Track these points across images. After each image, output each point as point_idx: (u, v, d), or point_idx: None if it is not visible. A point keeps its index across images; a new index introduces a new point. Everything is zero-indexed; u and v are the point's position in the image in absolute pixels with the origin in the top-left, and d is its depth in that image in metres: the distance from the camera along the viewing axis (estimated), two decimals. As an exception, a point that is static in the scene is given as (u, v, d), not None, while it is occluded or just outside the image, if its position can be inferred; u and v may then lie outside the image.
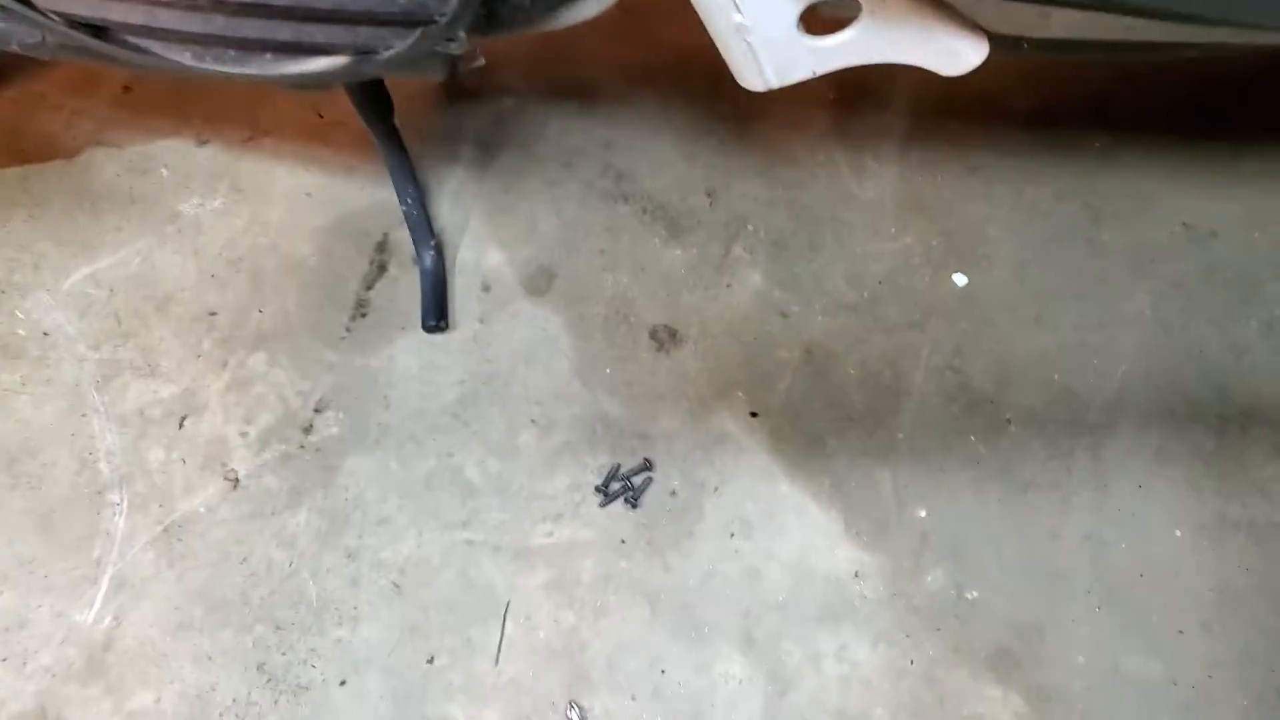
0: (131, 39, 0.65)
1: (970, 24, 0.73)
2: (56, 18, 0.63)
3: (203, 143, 1.17)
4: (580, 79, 1.30)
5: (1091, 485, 1.02)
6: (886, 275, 1.16)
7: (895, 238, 1.20)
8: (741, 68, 0.77)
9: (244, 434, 1.00)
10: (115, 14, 0.62)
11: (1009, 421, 1.06)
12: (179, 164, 1.16)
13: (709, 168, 1.24)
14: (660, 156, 1.24)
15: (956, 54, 0.74)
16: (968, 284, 1.16)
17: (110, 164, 1.15)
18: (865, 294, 1.14)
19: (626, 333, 1.09)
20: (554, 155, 1.23)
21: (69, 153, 1.15)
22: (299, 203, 1.14)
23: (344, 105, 1.23)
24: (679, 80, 1.33)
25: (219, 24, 0.62)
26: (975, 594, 0.96)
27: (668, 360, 1.07)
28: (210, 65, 0.68)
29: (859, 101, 1.34)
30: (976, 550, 0.98)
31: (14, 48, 0.71)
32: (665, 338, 1.09)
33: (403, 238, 1.13)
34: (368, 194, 1.15)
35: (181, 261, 1.09)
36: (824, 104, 1.33)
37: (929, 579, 0.96)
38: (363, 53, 0.67)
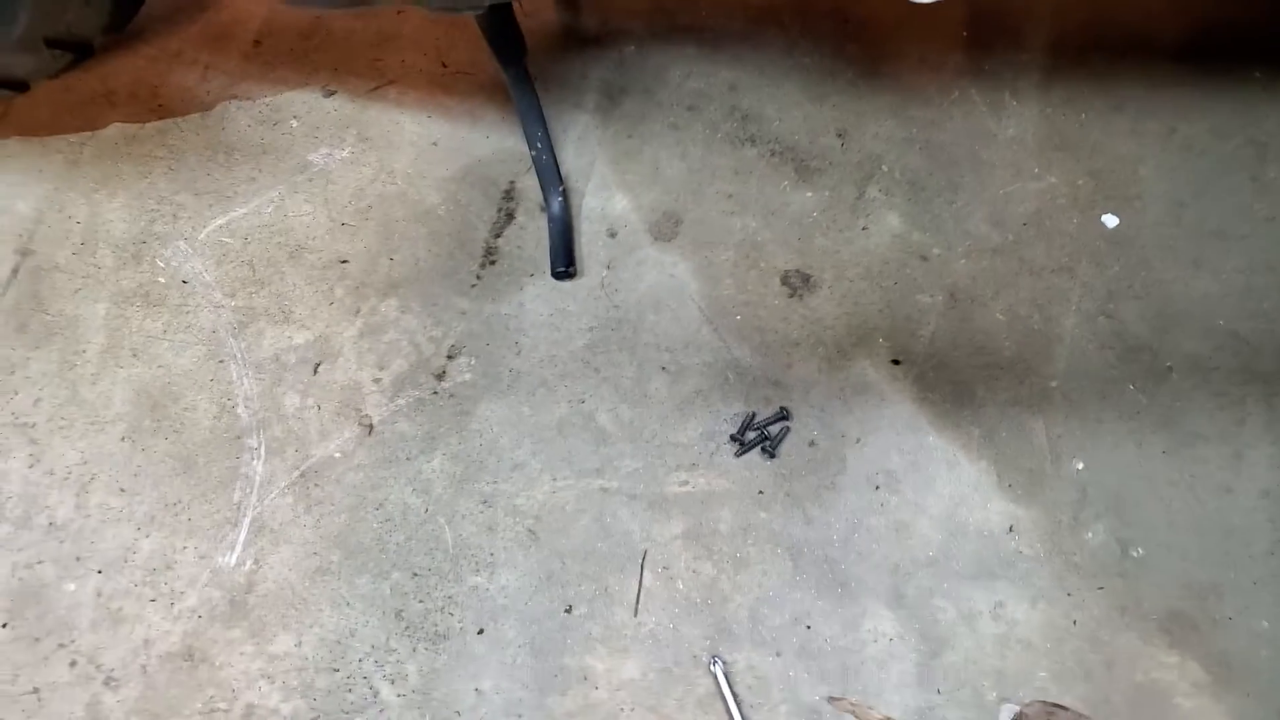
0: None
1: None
2: None
3: (330, 93, 1.17)
4: (702, 23, 1.26)
5: (1267, 438, 0.94)
6: (1031, 216, 1.09)
7: (1039, 177, 1.13)
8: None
9: (378, 380, 0.99)
10: None
11: (1170, 370, 0.99)
12: (307, 115, 1.16)
13: (839, 108, 1.19)
14: (787, 98, 1.19)
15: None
16: (1119, 225, 1.09)
17: (243, 116, 1.15)
18: (1010, 236, 1.08)
19: (757, 278, 1.05)
20: (678, 99, 1.19)
21: (204, 107, 1.16)
22: (426, 151, 1.13)
23: (467, 54, 1.21)
24: (803, 21, 1.27)
25: None
26: (1141, 551, 0.90)
27: (801, 306, 1.03)
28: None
29: (994, 39, 1.26)
30: (1141, 505, 0.91)
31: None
32: (798, 283, 1.05)
33: (529, 185, 1.11)
34: (493, 142, 1.14)
35: (312, 210, 1.09)
36: (957, 42, 1.26)
37: (1089, 535, 0.90)
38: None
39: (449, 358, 1.00)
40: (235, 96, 1.17)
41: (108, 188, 1.11)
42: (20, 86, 1.08)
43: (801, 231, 1.08)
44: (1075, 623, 0.86)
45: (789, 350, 1.00)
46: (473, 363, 1.00)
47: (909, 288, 1.04)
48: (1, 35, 0.66)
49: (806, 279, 1.05)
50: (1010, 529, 0.90)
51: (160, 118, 1.16)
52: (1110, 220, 1.09)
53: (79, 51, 1.10)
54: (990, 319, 1.02)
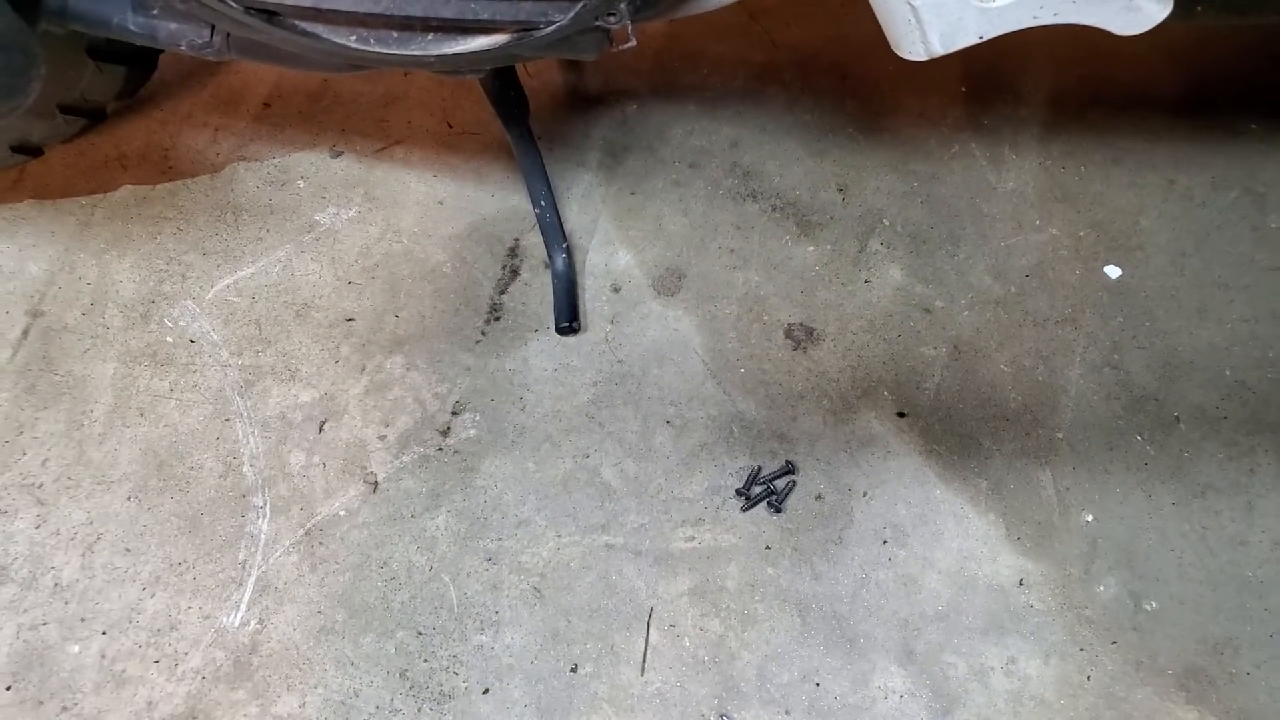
0: (301, 23, 0.65)
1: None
2: (235, 4, 0.63)
3: (337, 154, 1.19)
4: (704, 81, 1.28)
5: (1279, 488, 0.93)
6: (1034, 268, 1.10)
7: (1040, 229, 1.13)
8: (901, 35, 0.73)
9: (383, 437, 1.00)
10: None
11: (1178, 420, 0.99)
12: (315, 175, 1.17)
13: (839, 163, 1.20)
14: (788, 153, 1.21)
15: (1137, 9, 0.69)
16: (1122, 276, 1.09)
17: (251, 177, 1.17)
18: (1012, 288, 1.08)
19: (760, 332, 1.05)
20: (680, 156, 1.20)
21: (213, 168, 1.18)
22: (431, 210, 1.15)
23: (472, 114, 1.23)
24: (803, 79, 1.29)
25: (385, 3, 0.62)
26: (1154, 605, 0.88)
27: (805, 359, 1.03)
28: (373, 47, 0.68)
29: (992, 94, 1.28)
30: (1152, 557, 0.90)
31: (181, 47, 0.72)
32: (802, 336, 1.05)
33: (533, 242, 1.12)
34: (498, 200, 1.15)
35: (319, 269, 1.10)
36: (956, 97, 1.28)
37: (1101, 588, 0.89)
38: (524, 29, 0.66)
39: (454, 414, 1.00)
40: (244, 158, 1.19)
41: (118, 249, 1.12)
42: (35, 151, 1.10)
43: (804, 285, 1.08)
44: (1089, 678, 0.85)
45: (794, 403, 1.00)
46: (478, 419, 1.00)
47: (912, 340, 1.04)
48: (16, 103, 0.67)
49: (810, 332, 1.05)
50: (1020, 582, 0.89)
51: (170, 179, 1.17)
52: (1113, 271, 1.10)
53: (92, 117, 1.12)
54: (995, 371, 1.02)
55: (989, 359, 1.02)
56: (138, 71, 1.09)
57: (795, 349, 1.04)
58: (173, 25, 0.72)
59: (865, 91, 1.28)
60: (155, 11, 0.71)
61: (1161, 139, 1.22)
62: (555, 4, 0.66)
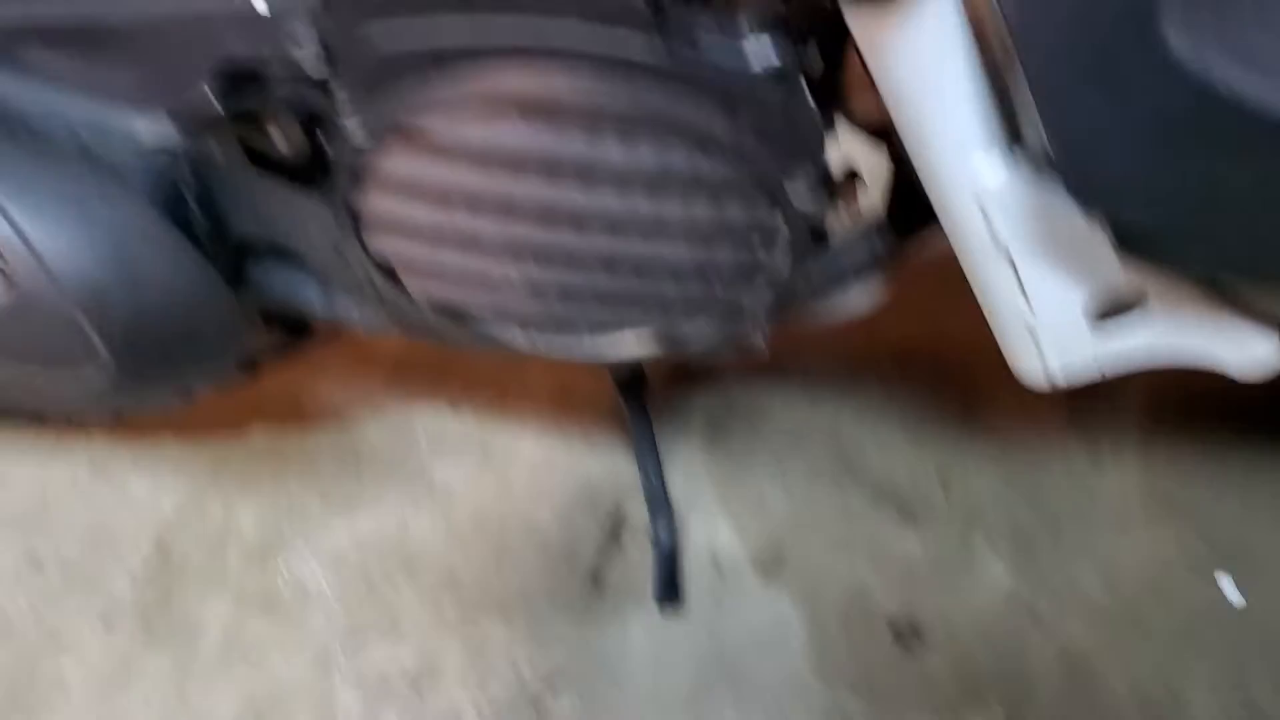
0: (479, 323, 0.72)
1: (1261, 318, 0.71)
2: (421, 301, 0.70)
3: (457, 409, 1.25)
4: (805, 363, 1.34)
5: None
6: (1143, 578, 1.08)
7: (1146, 536, 1.12)
8: (1022, 361, 0.77)
9: (477, 705, 0.99)
10: (476, 299, 0.69)
11: (1314, 759, 0.93)
12: (435, 429, 1.24)
13: (940, 453, 1.22)
14: (889, 439, 1.24)
15: (1248, 349, 0.72)
16: (1239, 594, 1.06)
17: (376, 428, 1.24)
18: (1122, 597, 1.06)
19: (864, 624, 1.04)
20: (782, 435, 1.24)
21: (342, 416, 1.25)
22: (541, 470, 1.19)
23: (587, 379, 1.30)
24: (901, 368, 1.34)
25: (553, 305, 0.68)
26: None
27: (910, 657, 1.01)
28: (537, 345, 0.74)
29: (1091, 392, 1.30)
30: None
31: (354, 325, 0.80)
32: (907, 632, 1.04)
33: (637, 511, 1.14)
34: (605, 464, 1.19)
35: (431, 525, 1.14)
36: (1053, 394, 1.31)
37: None
38: (672, 336, 0.72)
39: (548, 685, 1.00)
40: (371, 408, 1.26)
41: (245, 490, 1.18)
42: (189, 397, 1.19)
43: (907, 578, 1.08)
44: None
45: (897, 703, 0.97)
46: (573, 695, 0.99)
47: (1021, 646, 1.01)
48: (217, 371, 0.75)
49: (915, 629, 1.04)
50: None
51: (301, 425, 1.25)
52: (1229, 586, 1.07)
53: (249, 370, 1.21)
54: (1109, 689, 0.98)
55: (1103, 675, 0.99)
56: (300, 335, 1.19)
57: (900, 646, 1.02)
58: (348, 300, 0.79)
59: (963, 383, 1.32)
60: (339, 294, 0.79)
61: (1267, 450, 1.22)
62: (704, 314, 0.71)
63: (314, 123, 0.68)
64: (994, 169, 0.64)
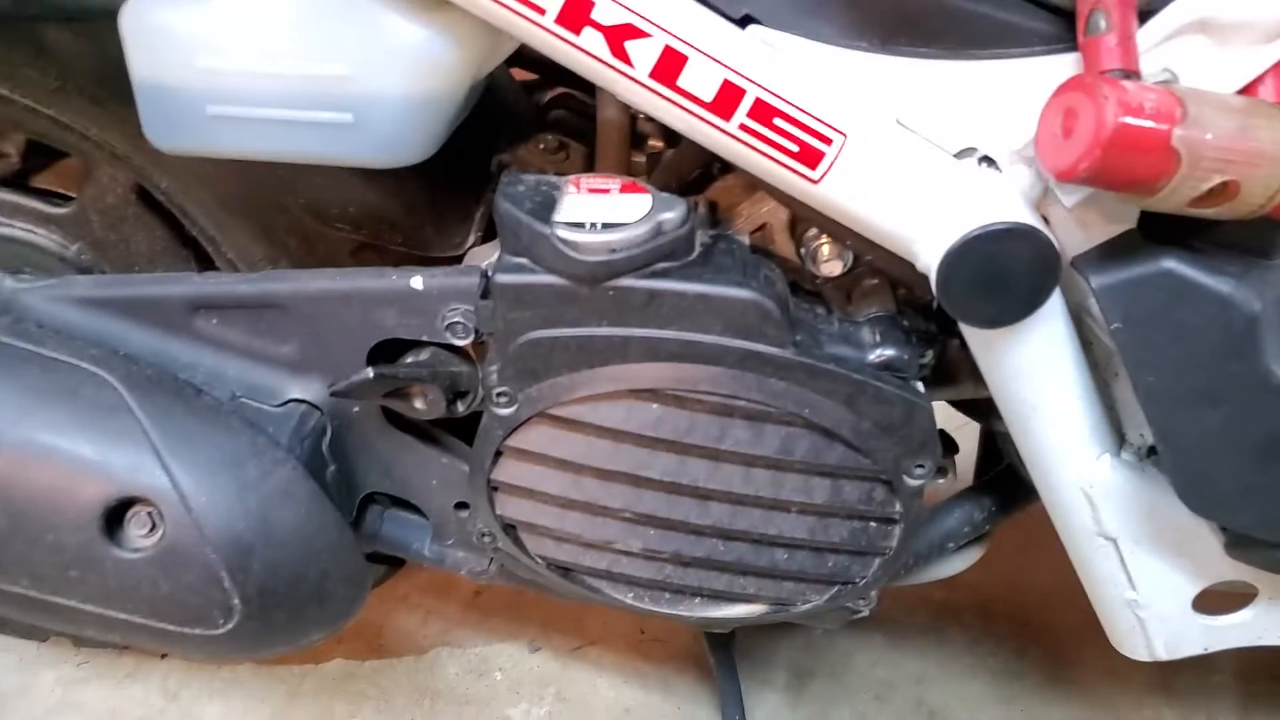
0: (588, 579, 0.74)
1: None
2: (540, 560, 0.73)
3: (535, 649, 1.25)
4: (886, 613, 1.32)
5: None
6: None
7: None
8: (1124, 637, 0.77)
9: None
10: (588, 561, 0.71)
11: None
12: (512, 668, 1.23)
13: (1027, 713, 1.18)
14: (975, 696, 1.20)
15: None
16: None
17: (452, 664, 1.23)
18: None
19: None
20: (866, 686, 1.21)
21: (419, 650, 1.25)
22: (618, 718, 1.17)
23: (665, 622, 1.30)
24: (984, 620, 1.32)
25: (669, 572, 0.70)
26: None
27: None
28: (645, 605, 0.76)
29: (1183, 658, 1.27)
30: None
31: (463, 572, 0.82)
32: None
33: (717, 768, 1.11)
34: (685, 714, 1.17)
35: (502, 769, 1.11)
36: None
37: None
38: (780, 604, 0.73)
39: None
40: (449, 643, 1.26)
41: (318, 721, 1.17)
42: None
43: None
44: None
45: None
46: None
47: None
48: (341, 622, 0.77)
49: None
50: None
51: (379, 657, 1.25)
52: None
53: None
54: None
55: None
56: (392, 570, 1.21)
57: None
58: (460, 554, 0.82)
59: (1048, 640, 1.29)
60: (450, 543, 0.81)
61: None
62: (814, 586, 0.73)
63: (455, 389, 0.74)
64: (1100, 465, 0.67)
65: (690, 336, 0.62)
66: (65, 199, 0.86)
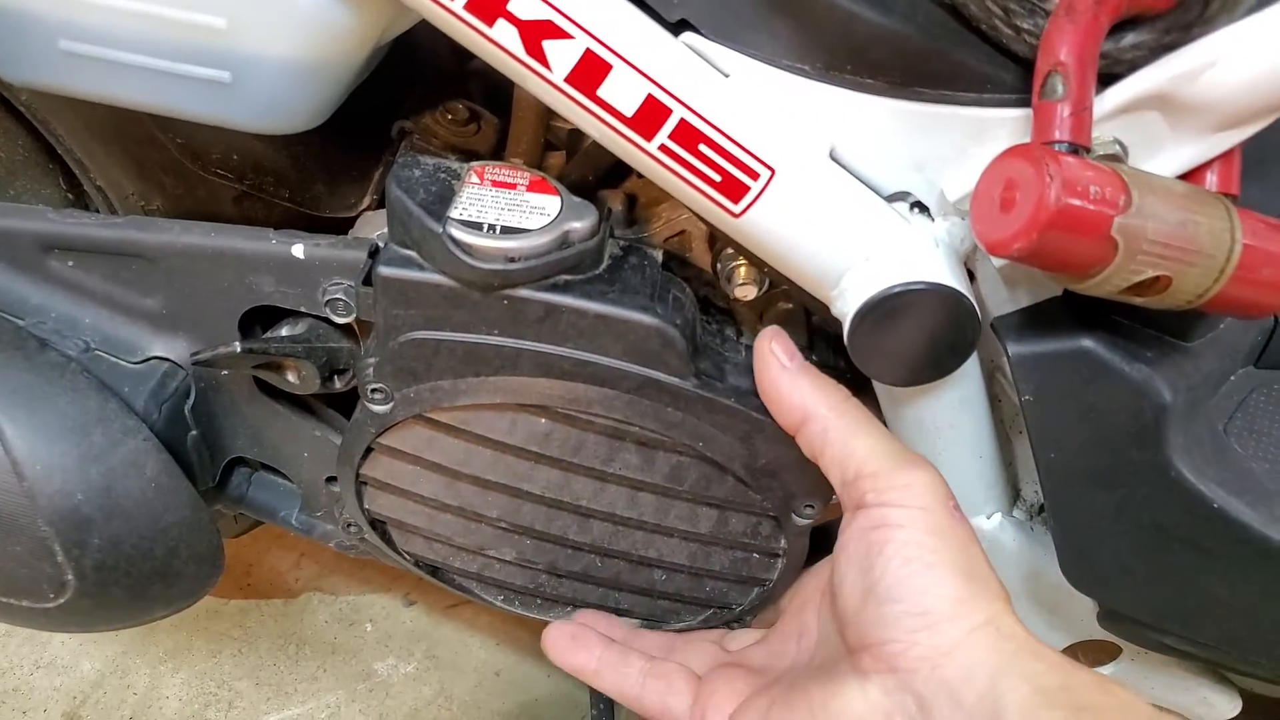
0: (459, 579, 0.71)
1: (1223, 680, 0.73)
2: (407, 556, 0.69)
3: (409, 603, 1.22)
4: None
5: None
6: None
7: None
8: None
9: None
10: (458, 563, 0.68)
11: None
12: (383, 620, 1.20)
13: None
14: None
15: (1211, 705, 0.74)
16: None
17: (322, 610, 1.20)
18: None
19: None
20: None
21: (289, 594, 1.21)
22: (487, 680, 1.15)
23: (546, 586, 1.28)
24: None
25: (542, 581, 0.68)
26: None
27: None
28: (516, 608, 0.73)
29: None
30: None
31: (331, 545, 0.78)
32: None
33: (580, 739, 1.11)
34: (554, 684, 1.16)
35: (363, 722, 1.09)
36: None
37: None
38: (654, 621, 0.72)
39: None
40: (321, 589, 1.23)
41: (174, 661, 1.13)
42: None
43: None
44: None
45: None
46: None
47: None
48: (174, 608, 0.72)
49: None
50: None
51: (245, 597, 1.20)
52: None
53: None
54: None
55: None
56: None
57: None
58: (329, 526, 0.78)
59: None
60: (319, 514, 0.77)
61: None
62: (689, 608, 0.71)
63: (332, 366, 0.69)
64: (990, 523, 0.66)
65: (587, 356, 0.57)
66: (-90, 91, 0.76)
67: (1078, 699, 0.45)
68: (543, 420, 0.61)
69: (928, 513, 0.50)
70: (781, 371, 0.55)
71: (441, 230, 0.53)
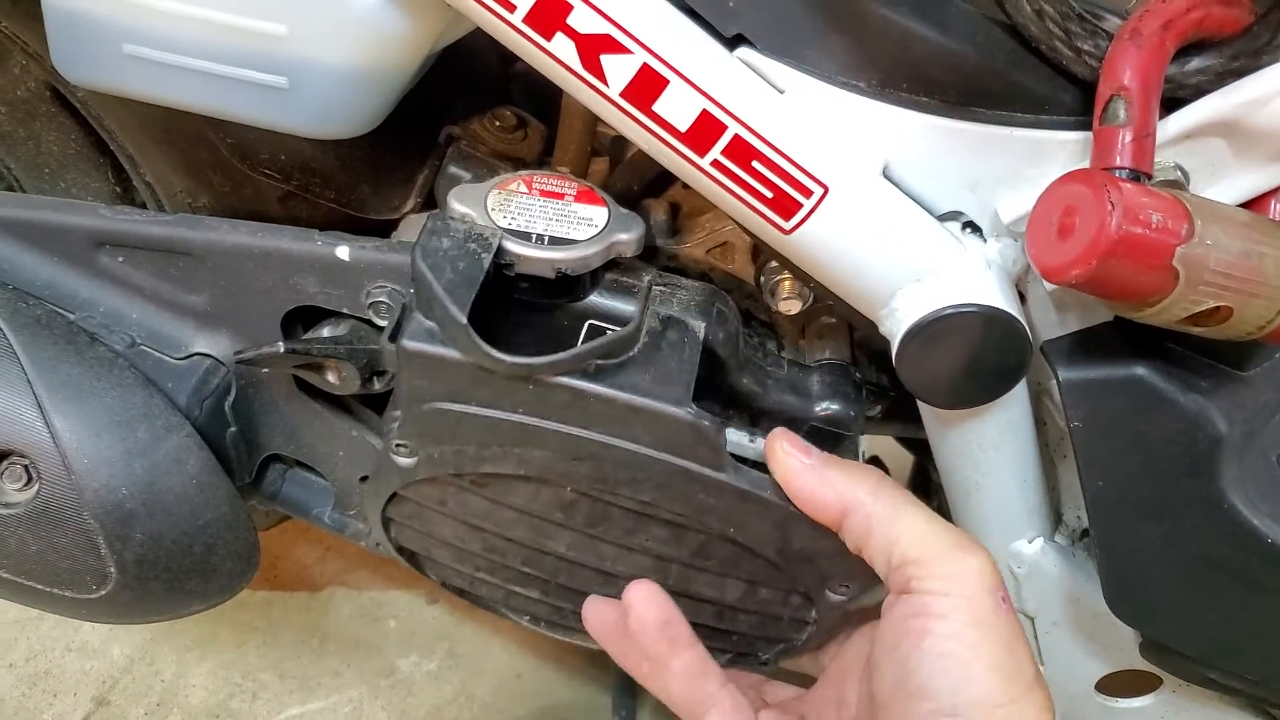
0: (488, 599, 0.71)
1: (1267, 717, 0.72)
2: (434, 578, 0.69)
3: (433, 601, 1.23)
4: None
5: None
6: None
7: None
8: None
9: None
10: (485, 591, 0.68)
11: None
12: (407, 617, 1.20)
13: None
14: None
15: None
16: None
17: (347, 605, 1.21)
18: None
19: None
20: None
21: (314, 587, 1.22)
22: (508, 683, 1.16)
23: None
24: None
25: (568, 612, 0.68)
26: None
27: None
28: (541, 629, 0.73)
29: None
30: None
31: (361, 544, 0.78)
32: None
33: (601, 745, 1.11)
34: (575, 690, 1.16)
35: (385, 718, 1.10)
36: None
37: None
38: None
39: None
40: (345, 584, 1.23)
41: (200, 649, 1.14)
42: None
43: None
44: None
45: None
46: None
47: None
48: (209, 603, 0.72)
49: None
50: None
51: (271, 588, 1.21)
52: None
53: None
54: None
55: None
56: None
57: None
58: (361, 525, 0.78)
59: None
60: (352, 513, 0.77)
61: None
62: (714, 653, 0.70)
63: (372, 368, 0.69)
64: (1032, 548, 0.65)
65: (616, 442, 0.54)
66: (-29, 83, 0.77)
67: None
68: (567, 490, 0.59)
69: (972, 602, 0.47)
70: (805, 470, 0.52)
71: (465, 322, 0.51)
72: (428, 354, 0.55)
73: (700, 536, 0.60)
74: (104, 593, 0.65)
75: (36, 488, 0.63)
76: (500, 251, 0.56)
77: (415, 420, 0.58)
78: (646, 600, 0.57)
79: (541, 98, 0.73)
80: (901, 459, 0.95)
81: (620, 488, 0.57)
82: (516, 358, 0.52)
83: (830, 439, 0.62)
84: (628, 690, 1.10)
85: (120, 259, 0.68)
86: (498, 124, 0.67)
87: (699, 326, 0.58)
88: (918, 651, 0.46)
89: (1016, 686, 0.45)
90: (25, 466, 0.64)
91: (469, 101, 0.69)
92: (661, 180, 0.69)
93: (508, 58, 0.73)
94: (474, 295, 0.53)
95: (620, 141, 0.73)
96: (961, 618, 0.46)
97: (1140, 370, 0.53)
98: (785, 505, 0.55)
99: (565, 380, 0.53)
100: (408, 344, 0.55)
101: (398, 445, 0.60)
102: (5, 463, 0.63)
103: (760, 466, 0.57)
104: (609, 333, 0.55)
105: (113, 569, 0.64)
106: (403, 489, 0.64)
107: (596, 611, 0.64)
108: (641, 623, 0.57)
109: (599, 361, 0.53)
